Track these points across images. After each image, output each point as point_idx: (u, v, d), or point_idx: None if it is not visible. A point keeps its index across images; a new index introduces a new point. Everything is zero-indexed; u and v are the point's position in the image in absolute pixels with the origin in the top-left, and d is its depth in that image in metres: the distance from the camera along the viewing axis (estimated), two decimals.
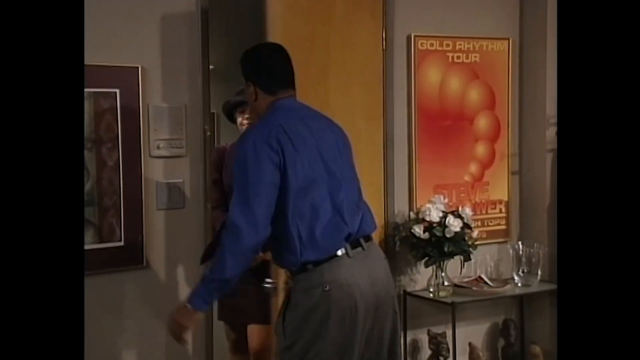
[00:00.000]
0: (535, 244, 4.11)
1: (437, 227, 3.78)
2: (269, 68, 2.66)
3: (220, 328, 3.72)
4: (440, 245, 3.77)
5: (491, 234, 4.26)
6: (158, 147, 3.38)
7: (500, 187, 4.25)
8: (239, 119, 3.59)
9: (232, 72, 5.09)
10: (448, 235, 3.77)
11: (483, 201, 4.21)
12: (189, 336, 2.56)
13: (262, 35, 5.19)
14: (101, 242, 3.27)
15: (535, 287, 4.11)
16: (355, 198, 2.62)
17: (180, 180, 3.44)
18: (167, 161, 3.41)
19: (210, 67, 3.67)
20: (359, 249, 2.55)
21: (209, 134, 3.53)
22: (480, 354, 4.11)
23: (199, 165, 3.48)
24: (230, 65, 5.07)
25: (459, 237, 3.80)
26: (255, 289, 3.48)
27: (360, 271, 2.53)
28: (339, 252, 2.51)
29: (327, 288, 2.47)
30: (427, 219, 3.79)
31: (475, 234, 3.96)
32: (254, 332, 3.52)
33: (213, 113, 4.24)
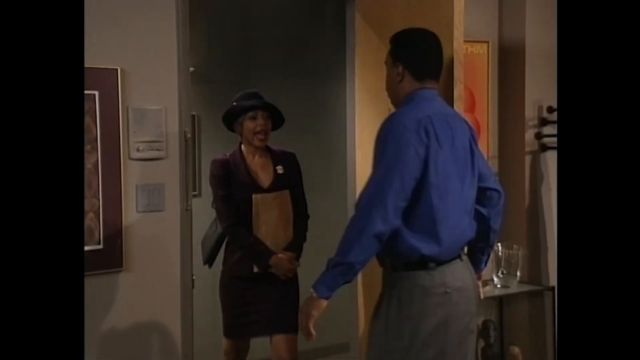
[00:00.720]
0: (514, 246, 4.10)
1: None
2: (424, 53, 2.61)
3: (201, 341, 3.67)
4: None
5: None
6: (138, 150, 3.33)
7: None
8: (250, 126, 3.43)
9: (213, 74, 5.07)
10: None
11: None
12: (315, 326, 2.48)
13: (243, 37, 5.16)
14: None
15: (515, 288, 4.10)
16: (472, 203, 2.60)
17: (160, 183, 3.38)
18: (146, 164, 3.35)
19: (191, 69, 3.62)
20: (464, 254, 2.60)
21: (189, 136, 3.47)
22: None
23: (179, 168, 3.43)
24: (211, 67, 5.05)
25: None
26: (279, 297, 3.43)
27: (468, 276, 2.56)
28: (458, 255, 2.53)
29: (449, 291, 2.46)
30: None
31: None
32: (281, 343, 3.44)
33: (193, 115, 4.18)
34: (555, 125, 4.17)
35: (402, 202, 2.38)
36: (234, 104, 3.51)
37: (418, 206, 2.42)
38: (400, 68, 2.58)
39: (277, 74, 5.07)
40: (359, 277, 3.87)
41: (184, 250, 3.47)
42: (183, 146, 3.43)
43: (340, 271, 2.39)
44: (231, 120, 3.51)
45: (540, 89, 4.21)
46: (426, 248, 2.44)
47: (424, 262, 2.46)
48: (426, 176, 2.40)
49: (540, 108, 4.23)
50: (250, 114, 3.43)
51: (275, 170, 3.48)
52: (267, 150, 3.53)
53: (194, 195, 3.89)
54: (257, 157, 3.50)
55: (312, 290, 2.44)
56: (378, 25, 3.61)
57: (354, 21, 3.86)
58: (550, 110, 4.21)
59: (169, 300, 3.44)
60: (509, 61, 4.26)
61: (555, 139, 4.17)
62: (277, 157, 3.54)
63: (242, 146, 3.54)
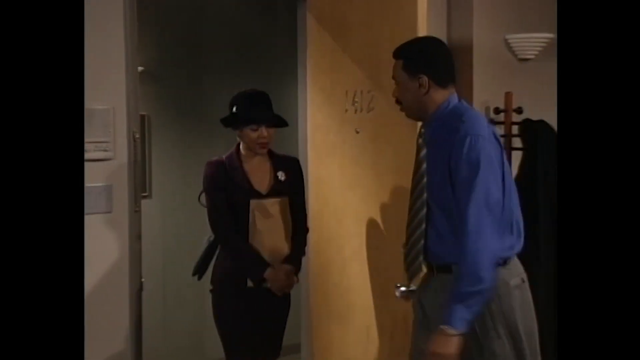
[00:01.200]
0: None
1: None
2: (445, 60, 2.55)
3: (151, 343, 3.52)
4: None
5: None
6: (85, 150, 3.15)
7: None
8: (252, 136, 3.04)
9: (163, 73, 4.90)
10: None
11: None
12: None
13: (194, 37, 5.00)
14: None
15: None
16: None
17: (108, 184, 3.21)
18: (93, 164, 3.16)
19: (140, 68, 3.46)
20: None
21: (137, 136, 3.31)
22: None
23: (128, 169, 3.26)
24: (161, 67, 4.88)
25: None
26: (271, 320, 3.15)
27: None
28: None
29: (524, 280, 2.47)
30: None
31: None
32: None
33: (143, 115, 4.02)
34: (502, 125, 4.13)
35: (500, 214, 2.35)
36: (234, 108, 3.10)
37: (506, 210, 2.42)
38: (425, 79, 2.47)
39: (228, 74, 4.93)
40: (309, 277, 3.77)
41: (132, 253, 3.30)
42: (132, 147, 3.26)
43: (477, 300, 2.29)
44: (228, 125, 3.14)
45: (488, 90, 4.15)
46: (516, 248, 2.46)
47: (505, 260, 2.42)
48: (503, 183, 2.40)
49: (487, 109, 4.17)
50: (252, 125, 3.05)
51: (276, 176, 3.13)
52: (269, 154, 3.18)
53: (144, 197, 3.74)
54: (256, 160, 3.14)
55: (447, 328, 2.27)
56: (332, 27, 3.51)
57: (305, 22, 3.77)
58: (497, 111, 4.16)
59: (117, 303, 3.26)
60: (457, 63, 4.14)
61: (501, 140, 4.13)
62: (278, 162, 3.18)
63: (241, 147, 3.15)
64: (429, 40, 2.69)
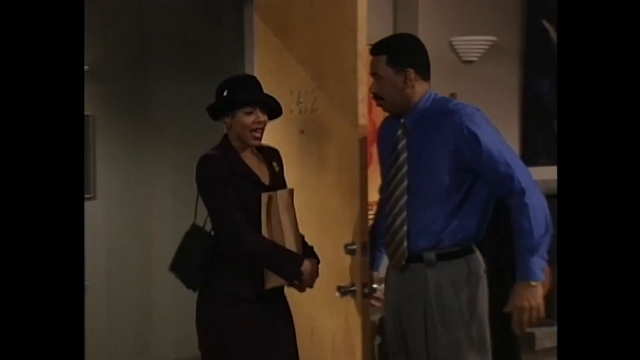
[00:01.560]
0: None
1: None
2: (424, 53, 2.62)
3: (96, 343, 3.45)
4: None
5: None
6: None
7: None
8: (245, 121, 2.73)
9: (108, 73, 4.83)
10: None
11: None
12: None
13: (140, 36, 4.94)
14: None
15: None
16: None
17: None
18: None
19: (85, 67, 3.39)
20: None
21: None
22: None
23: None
24: (107, 66, 4.81)
25: None
26: (287, 323, 2.86)
27: None
28: None
29: (485, 270, 2.53)
30: None
31: None
32: None
33: (87, 115, 3.96)
34: None
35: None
36: (225, 92, 2.81)
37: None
38: (411, 73, 2.53)
39: (174, 74, 4.88)
40: None
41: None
42: None
43: (546, 247, 2.38)
44: (218, 112, 2.83)
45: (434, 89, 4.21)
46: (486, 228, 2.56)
47: (473, 246, 2.49)
48: None
49: None
50: (246, 108, 2.75)
51: (272, 167, 2.87)
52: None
53: (88, 198, 3.68)
54: (248, 152, 2.83)
55: (530, 281, 2.36)
56: (279, 28, 3.49)
57: (252, 21, 3.74)
58: None
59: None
60: None
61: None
62: (266, 152, 2.91)
63: (230, 139, 2.82)
64: (408, 36, 2.80)
